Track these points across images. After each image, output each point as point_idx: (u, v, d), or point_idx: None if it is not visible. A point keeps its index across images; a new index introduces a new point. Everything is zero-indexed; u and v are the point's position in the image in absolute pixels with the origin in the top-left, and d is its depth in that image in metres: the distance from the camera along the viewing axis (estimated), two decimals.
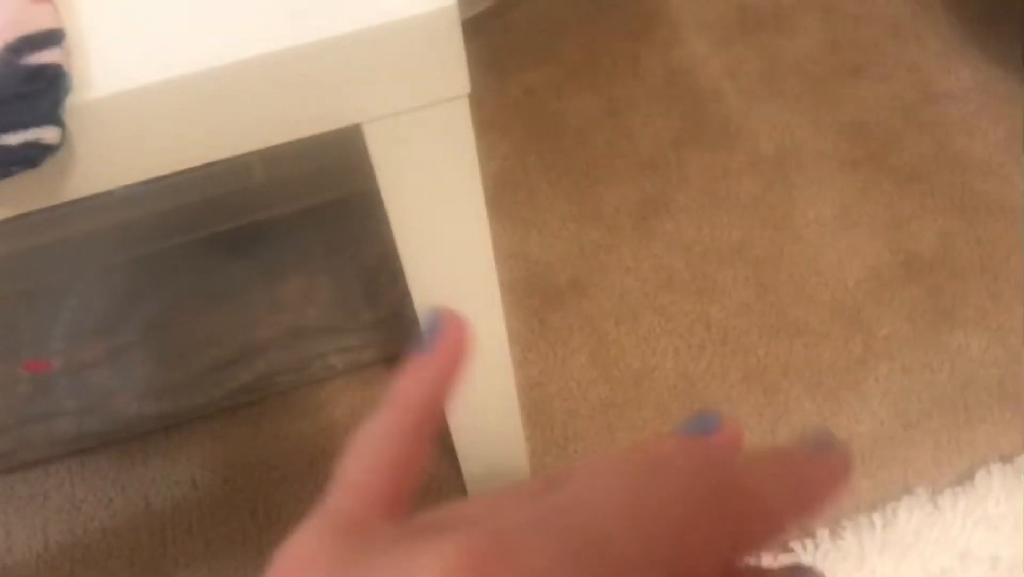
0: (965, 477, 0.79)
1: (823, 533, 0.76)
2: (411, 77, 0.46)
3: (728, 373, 0.89)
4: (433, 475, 0.84)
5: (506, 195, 1.05)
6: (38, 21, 0.44)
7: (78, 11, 0.45)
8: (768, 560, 0.28)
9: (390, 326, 0.89)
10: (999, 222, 0.96)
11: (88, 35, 0.44)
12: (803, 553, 0.75)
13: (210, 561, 0.82)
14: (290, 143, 0.47)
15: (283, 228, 0.87)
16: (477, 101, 1.23)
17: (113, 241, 0.72)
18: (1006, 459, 0.80)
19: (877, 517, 0.76)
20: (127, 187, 0.51)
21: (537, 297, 0.96)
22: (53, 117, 0.41)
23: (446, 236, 0.56)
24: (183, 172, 0.47)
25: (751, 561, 0.26)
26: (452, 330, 0.30)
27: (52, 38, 0.43)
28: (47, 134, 0.41)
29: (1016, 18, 1.13)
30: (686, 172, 1.04)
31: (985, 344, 0.88)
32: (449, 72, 0.46)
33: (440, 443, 0.86)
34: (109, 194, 0.70)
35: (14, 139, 0.41)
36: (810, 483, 0.28)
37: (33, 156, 0.42)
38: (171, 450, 0.88)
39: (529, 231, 1.01)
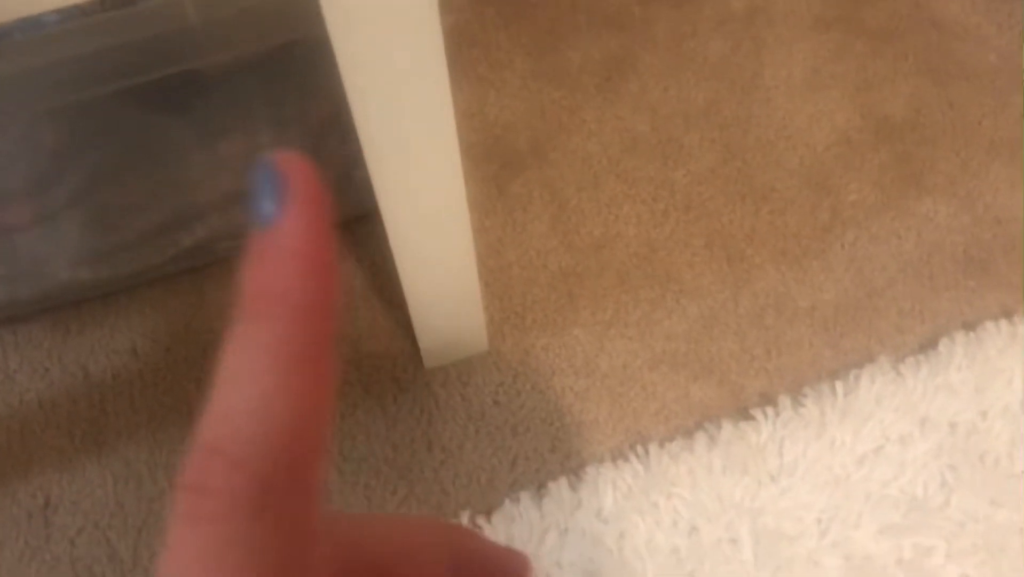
0: (928, 345, 0.78)
1: (784, 401, 0.75)
2: None
3: (692, 240, 0.86)
4: (387, 350, 0.81)
5: (462, 51, 0.99)
6: None
7: None
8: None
9: (339, 188, 0.84)
10: (972, 86, 0.93)
11: None
12: (764, 421, 0.74)
13: (154, 432, 0.79)
14: None
15: (222, 81, 0.81)
16: None
17: (33, 88, 0.66)
18: (969, 326, 0.79)
19: (839, 385, 0.75)
20: (44, 27, 0.45)
21: (496, 161, 0.91)
22: None
23: (402, 89, 0.51)
24: (110, 11, 0.41)
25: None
26: (304, 187, 0.21)
27: None
28: None
29: None
30: (652, 30, 0.99)
31: (953, 211, 0.86)
32: None
33: (395, 317, 0.83)
34: (24, 35, 0.63)
35: None
36: None
37: None
38: (110, 319, 0.84)
39: (487, 90, 0.96)
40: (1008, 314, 0.79)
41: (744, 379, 0.79)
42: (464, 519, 0.73)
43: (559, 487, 0.73)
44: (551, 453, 0.76)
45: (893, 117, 0.91)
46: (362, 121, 0.54)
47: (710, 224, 0.86)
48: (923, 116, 0.91)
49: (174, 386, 0.81)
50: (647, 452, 0.74)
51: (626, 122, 0.93)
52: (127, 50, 0.63)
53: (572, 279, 0.85)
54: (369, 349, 0.82)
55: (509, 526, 0.71)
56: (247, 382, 0.19)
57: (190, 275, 0.85)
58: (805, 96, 0.93)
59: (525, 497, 0.73)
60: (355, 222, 0.87)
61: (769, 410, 0.75)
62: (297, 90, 0.81)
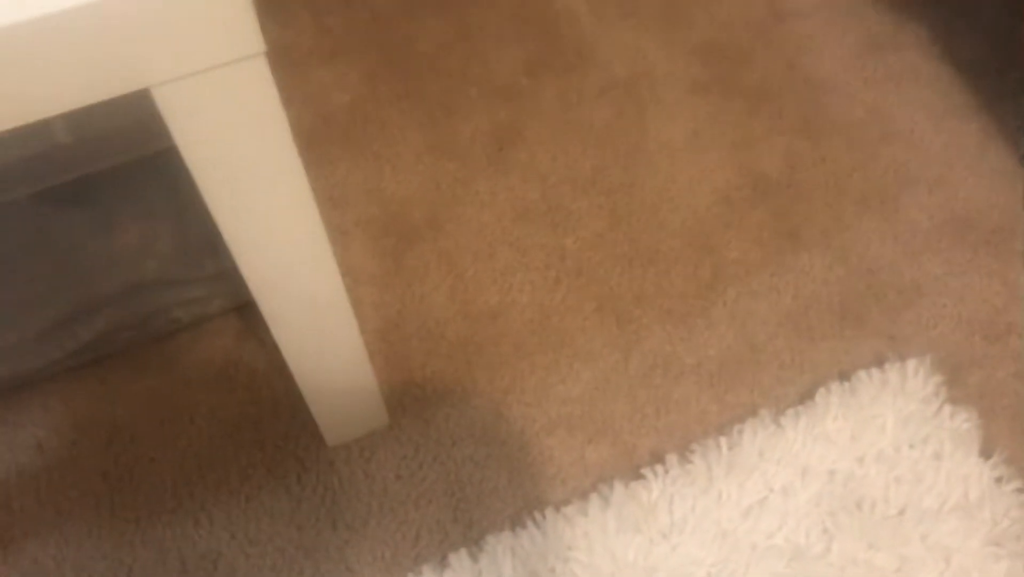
0: (807, 395, 0.82)
1: (672, 458, 0.79)
2: (197, 37, 0.43)
3: (583, 304, 0.89)
4: (289, 430, 0.83)
5: (357, 128, 1.02)
6: None
7: None
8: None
9: (235, 276, 0.86)
10: (842, 140, 0.99)
11: None
12: (654, 479, 0.77)
13: (62, 527, 0.80)
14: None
15: (116, 177, 0.82)
16: (324, 28, 1.18)
17: None
18: (844, 376, 0.83)
19: (724, 440, 0.79)
20: None
21: (393, 235, 0.94)
22: None
23: (262, 199, 0.54)
24: None
25: None
26: None
27: None
28: None
29: None
30: (540, 99, 1.03)
31: (828, 263, 0.91)
32: (238, 30, 0.43)
33: (297, 396, 0.85)
34: None
35: None
36: None
37: None
38: (11, 415, 0.84)
39: (383, 166, 0.99)
40: (880, 362, 0.84)
41: (636, 438, 0.82)
42: None
43: (460, 558, 0.75)
44: (453, 524, 0.78)
45: (769, 174, 0.96)
46: (227, 231, 0.56)
47: (600, 288, 0.90)
48: (797, 172, 0.96)
49: (80, 480, 0.82)
50: (544, 517, 0.77)
51: (517, 191, 0.96)
52: (6, 168, 0.64)
53: (470, 348, 0.87)
54: (272, 430, 0.83)
55: None
56: None
57: (93, 367, 0.86)
58: (686, 158, 0.98)
59: (427, 570, 0.75)
60: (253, 304, 0.89)
61: (659, 468, 0.78)
62: (189, 184, 0.83)
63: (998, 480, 0.77)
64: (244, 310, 0.89)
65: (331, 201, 0.96)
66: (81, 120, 0.63)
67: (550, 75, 1.05)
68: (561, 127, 1.00)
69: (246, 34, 0.43)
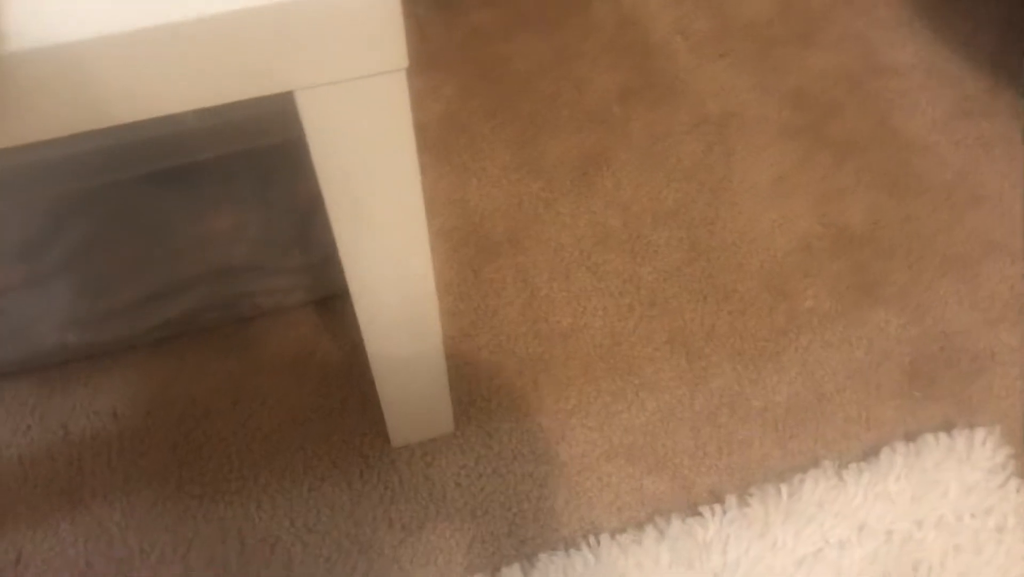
0: (871, 452, 0.82)
1: (731, 499, 0.79)
2: (346, 48, 0.44)
3: (654, 335, 0.90)
4: (357, 426, 0.85)
5: (449, 138, 1.04)
6: None
7: None
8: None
9: (320, 270, 0.88)
10: (928, 202, 0.98)
11: None
12: (711, 518, 0.78)
13: (129, 495, 0.82)
14: None
15: (216, 165, 0.85)
16: (425, 37, 1.21)
17: (39, 176, 0.70)
18: (910, 437, 0.83)
19: (784, 487, 0.79)
20: None
21: (473, 247, 0.96)
22: None
23: (378, 205, 0.56)
24: None
25: None
26: None
27: None
28: None
29: None
30: (629, 128, 1.04)
31: (903, 323, 0.90)
32: (385, 45, 0.45)
33: (367, 394, 0.86)
34: None
35: None
36: None
37: None
38: (93, 381, 0.87)
39: (469, 179, 1.01)
40: (948, 427, 0.83)
41: (695, 475, 0.82)
42: None
43: (512, 572, 0.76)
44: (507, 537, 0.79)
45: (851, 228, 0.96)
46: (340, 230, 0.58)
47: (672, 321, 0.91)
48: (880, 228, 0.97)
49: (150, 449, 0.84)
50: (599, 542, 0.77)
51: (598, 216, 0.98)
52: (127, 148, 0.67)
53: (538, 366, 0.89)
54: (340, 424, 0.85)
55: None
56: None
57: (174, 342, 0.89)
58: (770, 202, 0.98)
59: None
60: (336, 299, 0.91)
61: (717, 507, 0.79)
62: (286, 176, 0.86)
63: None
64: (322, 304, 0.92)
65: None
66: (208, 109, 0.66)
67: (642, 105, 1.06)
68: (648, 158, 1.02)
69: (394, 49, 0.45)
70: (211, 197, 0.87)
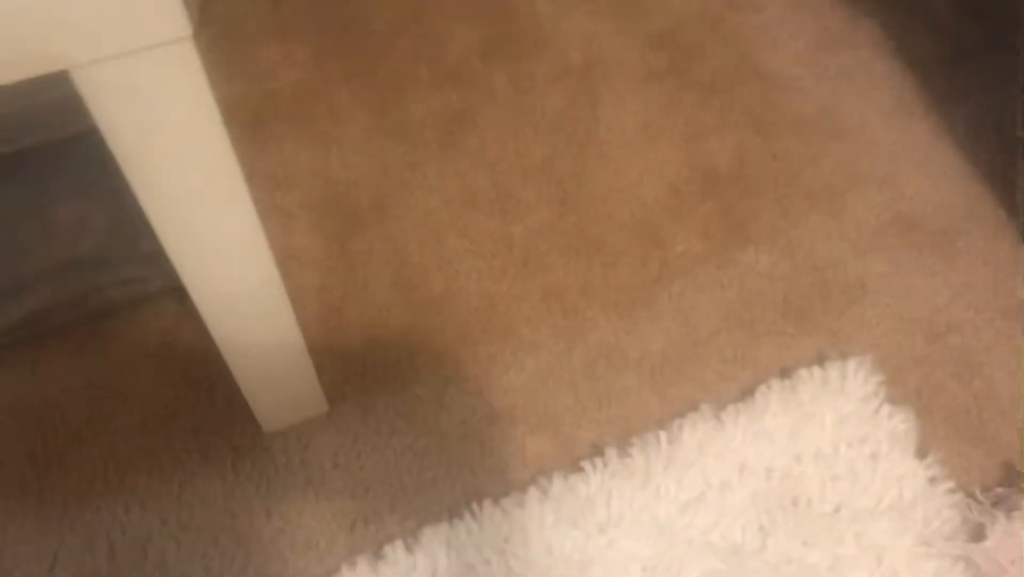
0: (747, 392, 0.82)
1: (611, 452, 0.78)
2: (118, 19, 0.41)
3: (529, 294, 0.88)
4: (225, 416, 0.81)
5: (305, 106, 0.99)
6: None
7: None
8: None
9: None
10: (794, 137, 0.98)
11: None
12: (593, 472, 0.77)
13: None
14: None
15: (49, 152, 0.80)
16: (274, 2, 1.15)
17: None
18: (785, 373, 0.83)
19: (663, 434, 0.79)
20: None
21: (338, 218, 0.92)
22: None
23: (192, 188, 0.52)
24: None
25: None
26: None
27: None
28: None
29: None
30: (493, 83, 1.01)
31: (774, 260, 0.91)
32: (162, 13, 0.41)
33: (234, 382, 0.83)
34: None
35: None
36: None
37: None
38: None
39: (330, 147, 0.97)
40: (821, 360, 0.84)
41: (576, 431, 0.81)
42: None
43: (395, 550, 0.74)
44: (390, 515, 0.77)
45: (718, 168, 0.96)
46: (155, 217, 0.54)
47: (546, 278, 0.89)
48: (747, 167, 0.96)
49: (6, 461, 0.80)
50: (481, 509, 0.76)
51: (466, 177, 0.95)
52: None
53: (413, 336, 0.86)
54: (207, 415, 0.82)
55: None
56: None
57: (23, 346, 0.84)
58: (637, 149, 0.97)
59: (362, 561, 0.74)
60: None
61: (598, 461, 0.78)
62: None
63: (932, 480, 0.78)
64: (179, 292, 0.87)
65: (275, 181, 0.94)
66: (12, 92, 0.61)
67: (503, 59, 1.03)
68: (513, 113, 0.99)
69: (171, 18, 0.41)
70: (45, 187, 0.82)
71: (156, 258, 0.85)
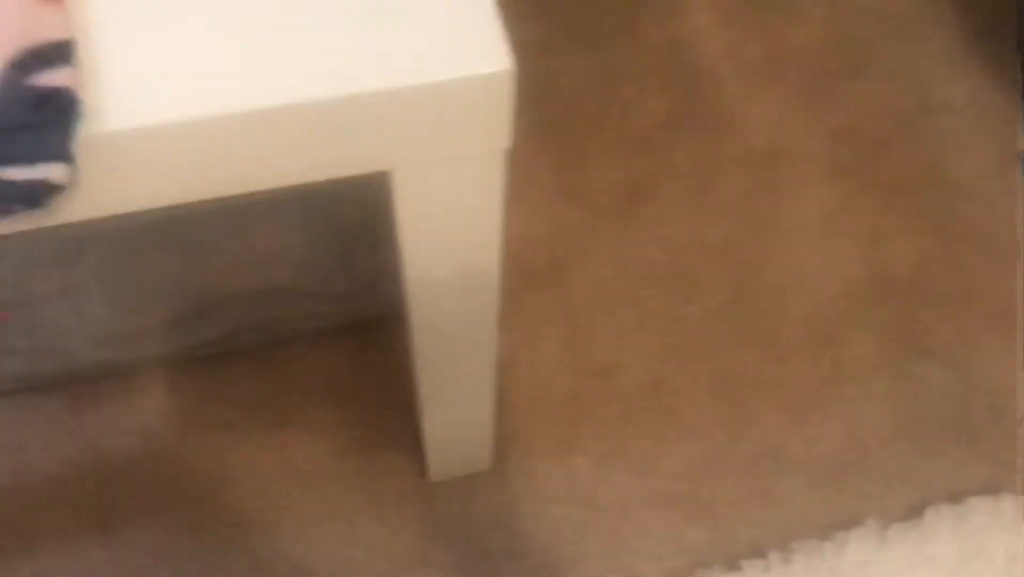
0: (914, 512, 0.81)
1: (774, 556, 0.78)
2: (456, 131, 0.43)
3: (697, 378, 0.89)
4: (394, 459, 0.83)
5: None
6: (46, 27, 0.39)
7: (89, 15, 0.40)
8: None
9: (360, 297, 0.87)
10: (977, 251, 0.97)
11: (101, 49, 0.40)
12: (752, 574, 0.77)
13: (161, 520, 0.81)
14: None
15: None
16: None
17: None
18: (955, 498, 0.82)
19: (828, 545, 0.78)
20: None
21: (514, 275, 0.94)
22: (62, 153, 0.38)
23: (457, 264, 0.54)
24: None
25: None
26: None
27: (62, 53, 0.39)
28: (55, 172, 0.38)
29: (1015, 34, 1.12)
30: (676, 157, 1.02)
31: (949, 377, 0.89)
32: (495, 129, 0.43)
33: (403, 426, 0.85)
34: None
35: (18, 174, 0.38)
36: None
37: (38, 196, 0.38)
38: (124, 399, 0.85)
39: (510, 203, 0.98)
40: (993, 489, 0.82)
41: (736, 525, 0.81)
42: None
43: None
44: None
45: (898, 274, 0.95)
46: (412, 263, 0.56)
47: (716, 364, 0.89)
48: (927, 276, 0.95)
49: (182, 474, 0.83)
50: None
51: (643, 250, 0.96)
52: None
53: (578, 404, 0.87)
54: (375, 457, 0.84)
55: None
56: None
57: (209, 362, 0.87)
58: (817, 243, 0.97)
59: None
60: (372, 327, 0.89)
61: (758, 562, 0.78)
62: (331, 197, 0.84)
63: None
64: (358, 331, 0.90)
65: None
66: None
67: (687, 133, 1.04)
68: (693, 189, 1.00)
69: (502, 132, 0.43)
70: (252, 214, 0.85)
71: (344, 297, 0.88)
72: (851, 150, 1.03)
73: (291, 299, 0.86)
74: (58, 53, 0.39)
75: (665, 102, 1.06)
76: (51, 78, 0.38)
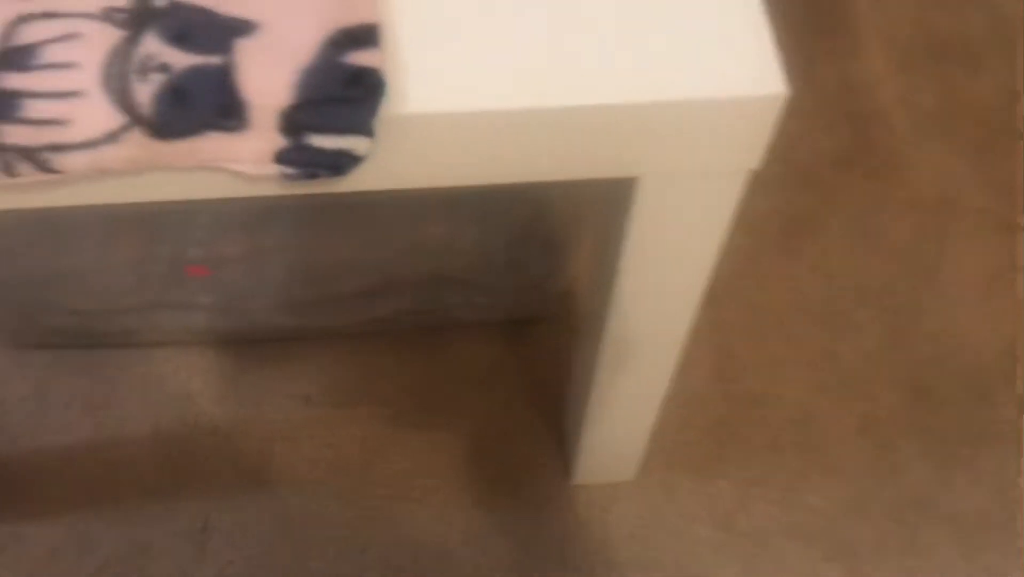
0: None
1: None
2: (715, 147, 0.44)
3: (846, 417, 0.89)
4: (537, 457, 0.85)
5: None
6: (358, 10, 0.42)
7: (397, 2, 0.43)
8: None
9: (524, 295, 0.89)
10: None
11: (404, 36, 0.43)
12: None
13: (313, 483, 0.84)
14: None
15: None
16: None
17: None
18: None
19: None
20: None
21: None
22: (367, 127, 0.41)
23: (670, 276, 0.56)
24: None
25: None
26: None
27: (371, 35, 0.42)
28: (359, 144, 0.41)
29: None
30: (841, 197, 1.02)
31: None
32: (751, 149, 0.45)
33: (548, 425, 0.87)
34: None
35: (327, 142, 0.41)
36: None
37: (342, 164, 0.41)
38: (291, 365, 0.89)
39: None
40: None
41: (874, 571, 0.81)
42: None
43: None
44: None
45: None
46: (623, 293, 0.57)
47: (865, 406, 0.89)
48: None
49: (337, 441, 0.86)
50: None
51: (800, 282, 0.96)
52: None
53: (725, 428, 0.88)
54: (522, 450, 0.86)
55: None
56: None
57: (374, 339, 0.90)
58: (979, 300, 0.95)
59: None
60: (529, 323, 0.92)
61: None
62: (507, 196, 0.86)
63: None
64: (513, 327, 0.92)
65: None
66: None
67: (855, 175, 1.04)
68: (857, 231, 0.99)
69: (758, 152, 0.45)
70: (431, 206, 0.88)
71: (509, 292, 0.90)
72: (1021, 209, 1.02)
73: (457, 288, 0.89)
74: (369, 35, 0.42)
75: (834, 141, 1.06)
76: (362, 57, 0.41)
